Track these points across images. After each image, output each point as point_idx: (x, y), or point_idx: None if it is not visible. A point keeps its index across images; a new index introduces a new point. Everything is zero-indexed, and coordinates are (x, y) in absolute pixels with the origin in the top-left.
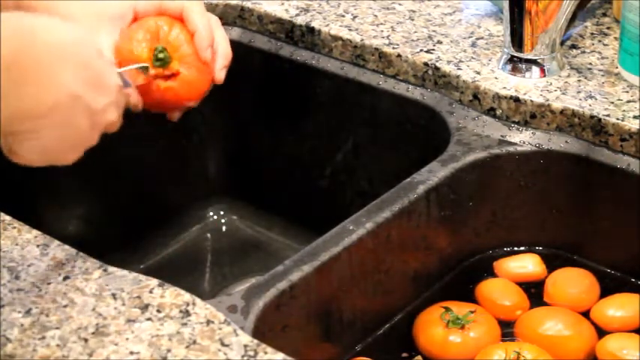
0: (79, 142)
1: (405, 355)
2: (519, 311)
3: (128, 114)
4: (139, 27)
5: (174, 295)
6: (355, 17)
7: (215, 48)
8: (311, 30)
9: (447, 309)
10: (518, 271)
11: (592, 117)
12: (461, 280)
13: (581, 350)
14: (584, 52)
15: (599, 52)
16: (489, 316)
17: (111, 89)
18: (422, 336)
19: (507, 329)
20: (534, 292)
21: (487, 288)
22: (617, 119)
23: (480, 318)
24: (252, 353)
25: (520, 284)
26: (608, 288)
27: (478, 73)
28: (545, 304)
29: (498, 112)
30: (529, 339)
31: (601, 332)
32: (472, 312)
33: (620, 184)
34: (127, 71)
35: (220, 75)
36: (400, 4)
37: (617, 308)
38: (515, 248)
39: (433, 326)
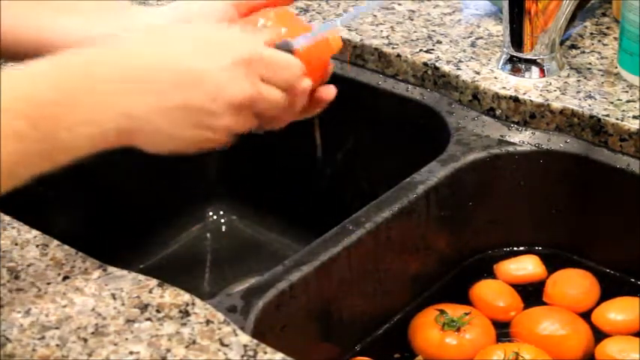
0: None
1: (401, 355)
2: (513, 312)
3: None
4: (247, 22)
5: (173, 295)
6: (354, 17)
7: None
8: None
9: (442, 311)
10: (518, 272)
11: (591, 117)
12: (460, 280)
13: (578, 349)
14: (583, 52)
15: (599, 52)
16: (484, 318)
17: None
18: (418, 338)
19: (502, 330)
20: (534, 293)
21: (481, 289)
22: (617, 119)
23: (475, 320)
24: (251, 353)
25: (520, 286)
26: (608, 288)
27: (478, 73)
28: (545, 304)
29: (498, 112)
30: (526, 339)
31: (602, 335)
32: (467, 314)
33: (619, 184)
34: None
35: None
36: (400, 4)
37: (618, 311)
38: (515, 248)
39: (429, 329)
